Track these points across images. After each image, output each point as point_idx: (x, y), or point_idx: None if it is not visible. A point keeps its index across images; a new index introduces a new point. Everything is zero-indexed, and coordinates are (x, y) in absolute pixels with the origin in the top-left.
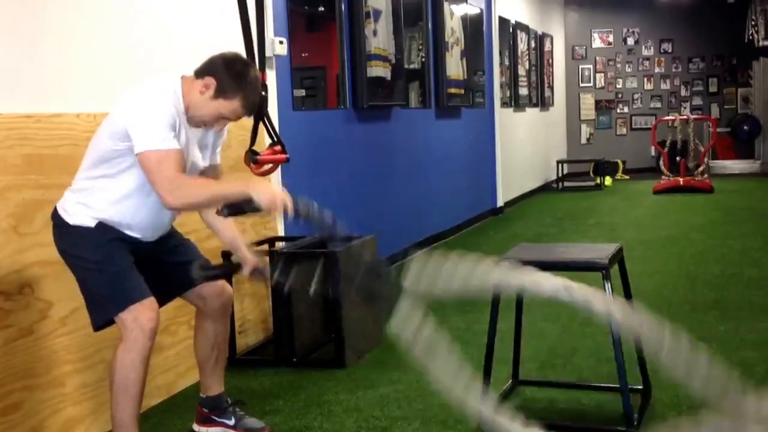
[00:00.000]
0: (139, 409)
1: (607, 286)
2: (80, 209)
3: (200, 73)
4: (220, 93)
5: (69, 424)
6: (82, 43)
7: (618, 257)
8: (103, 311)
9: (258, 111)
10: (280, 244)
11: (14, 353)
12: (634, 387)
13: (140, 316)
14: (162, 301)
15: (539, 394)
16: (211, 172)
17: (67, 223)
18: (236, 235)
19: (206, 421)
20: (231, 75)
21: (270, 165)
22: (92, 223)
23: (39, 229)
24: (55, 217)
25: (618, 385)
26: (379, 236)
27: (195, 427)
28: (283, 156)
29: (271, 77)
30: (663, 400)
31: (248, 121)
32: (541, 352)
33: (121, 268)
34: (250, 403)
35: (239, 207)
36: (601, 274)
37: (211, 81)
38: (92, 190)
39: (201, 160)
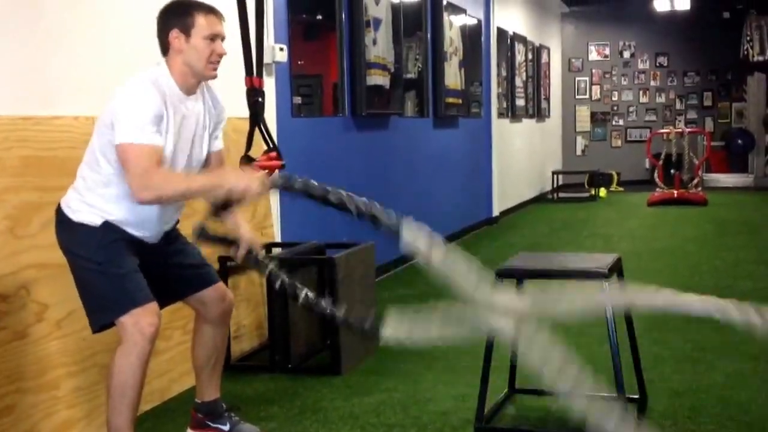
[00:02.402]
0: (135, 414)
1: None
2: (84, 207)
3: (164, 46)
4: (186, 30)
5: (62, 428)
6: (81, 46)
7: (617, 267)
8: (104, 314)
9: (254, 117)
10: (276, 250)
11: (8, 356)
12: (630, 396)
13: (141, 320)
14: (162, 304)
15: (535, 403)
16: (213, 158)
17: (71, 220)
18: (238, 217)
19: (201, 426)
20: (175, 13)
21: (265, 171)
22: (97, 222)
23: (36, 231)
24: (59, 213)
25: (614, 395)
26: (376, 243)
27: None
28: (279, 162)
29: (270, 84)
30: (658, 409)
31: (244, 127)
32: None
33: (125, 270)
34: (244, 409)
35: (221, 205)
36: (601, 283)
37: (173, 34)
38: (94, 188)
39: (202, 138)
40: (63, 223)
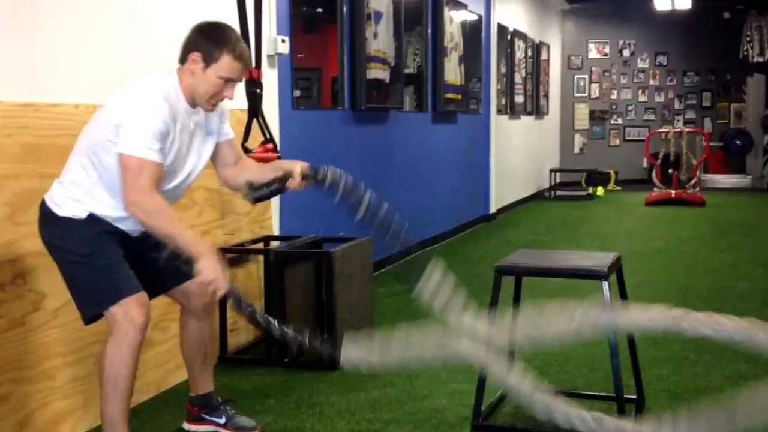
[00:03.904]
0: (128, 404)
1: (606, 293)
2: (69, 201)
3: (183, 57)
4: (208, 60)
5: (57, 418)
6: (81, 34)
7: (616, 266)
8: (93, 305)
9: (252, 108)
10: (274, 243)
11: (5, 344)
12: (628, 397)
13: (131, 310)
14: (148, 297)
15: None
16: (227, 149)
17: (56, 215)
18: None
19: (197, 420)
20: (208, 38)
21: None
22: (82, 215)
23: (35, 218)
24: (44, 207)
25: (611, 394)
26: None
27: (185, 425)
28: (274, 155)
29: (272, 76)
30: (656, 410)
31: (242, 117)
32: (534, 359)
33: (111, 261)
34: (240, 403)
35: (181, 258)
36: (600, 281)
37: (195, 55)
38: (81, 183)
39: (206, 150)
40: (47, 218)
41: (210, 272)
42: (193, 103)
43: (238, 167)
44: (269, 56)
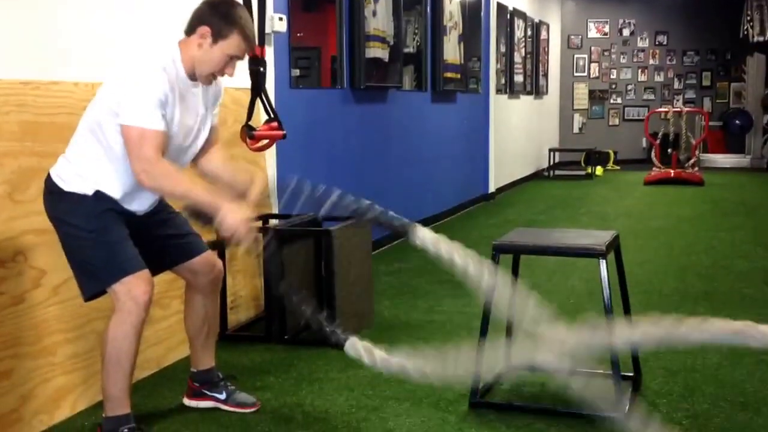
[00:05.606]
0: (130, 381)
1: (604, 272)
2: (75, 177)
3: (191, 28)
4: (217, 36)
5: (59, 394)
6: (81, 12)
7: (614, 245)
8: (96, 282)
9: (255, 86)
10: (273, 222)
11: (5, 321)
12: (625, 374)
13: (134, 288)
14: (152, 274)
15: (530, 379)
16: (210, 135)
17: (62, 190)
18: (233, 174)
19: (197, 395)
20: (220, 15)
21: (266, 141)
22: (89, 191)
23: (34, 196)
24: (49, 183)
25: (609, 372)
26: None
27: (185, 401)
28: (280, 132)
29: (269, 54)
30: (653, 387)
31: (245, 97)
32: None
33: (117, 238)
34: (240, 379)
35: (201, 217)
36: (598, 260)
37: (204, 29)
38: (87, 159)
39: (203, 123)
40: (53, 194)
41: (231, 222)
42: (192, 76)
43: (206, 155)
44: (266, 34)
